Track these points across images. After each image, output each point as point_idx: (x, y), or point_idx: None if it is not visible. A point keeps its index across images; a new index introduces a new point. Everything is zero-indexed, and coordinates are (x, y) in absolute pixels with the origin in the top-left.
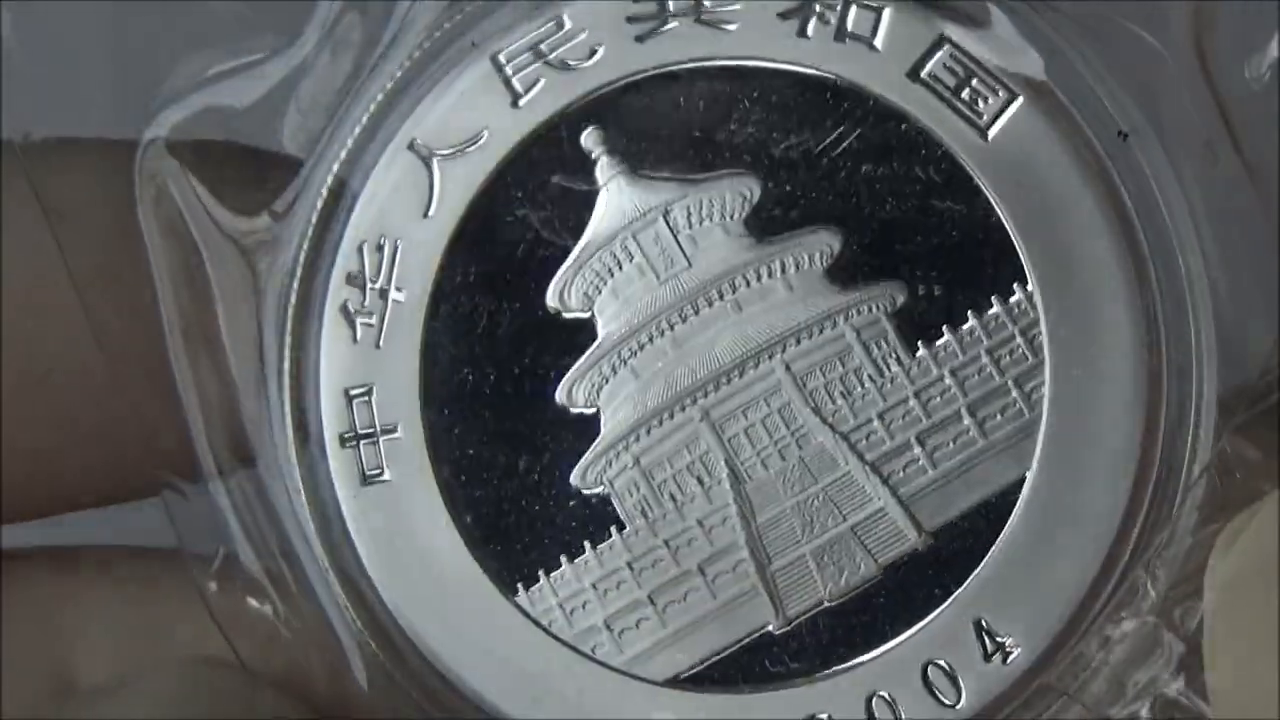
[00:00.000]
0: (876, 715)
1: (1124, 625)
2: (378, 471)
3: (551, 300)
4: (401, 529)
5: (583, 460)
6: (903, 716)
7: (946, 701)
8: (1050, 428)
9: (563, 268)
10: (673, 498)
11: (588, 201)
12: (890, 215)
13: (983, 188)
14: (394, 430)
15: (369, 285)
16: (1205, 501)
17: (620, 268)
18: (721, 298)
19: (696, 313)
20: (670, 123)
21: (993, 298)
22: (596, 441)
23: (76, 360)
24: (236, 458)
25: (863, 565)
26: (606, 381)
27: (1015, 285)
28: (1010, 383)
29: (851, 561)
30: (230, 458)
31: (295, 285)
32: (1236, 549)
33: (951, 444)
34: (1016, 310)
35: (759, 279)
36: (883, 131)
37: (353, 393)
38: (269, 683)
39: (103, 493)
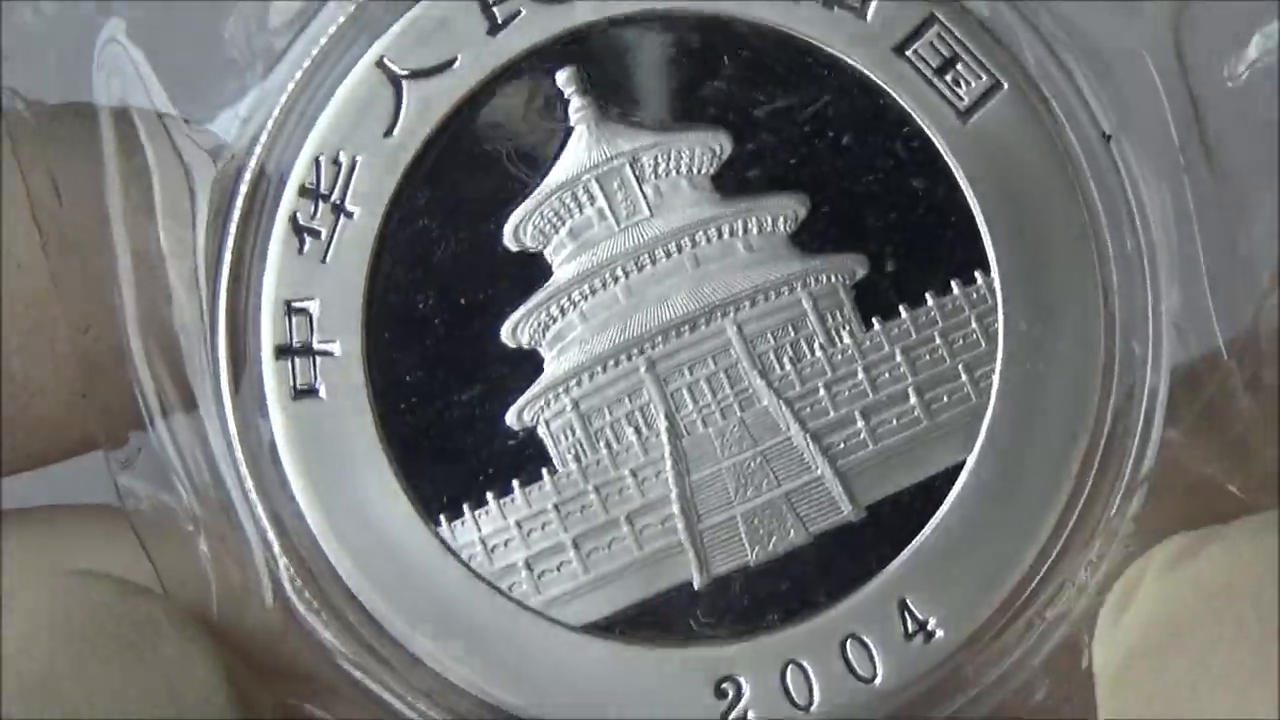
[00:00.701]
0: (790, 683)
1: (1048, 627)
2: (310, 387)
3: (508, 235)
4: (328, 447)
5: (520, 399)
6: (816, 686)
7: (863, 676)
8: (996, 417)
9: (523, 204)
10: (608, 445)
11: (556, 140)
12: (860, 188)
13: (955, 171)
14: (332, 347)
15: (322, 199)
16: (1143, 513)
17: (581, 210)
18: (680, 251)
19: (653, 263)
20: (648, 70)
21: (953, 281)
22: (536, 381)
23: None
24: (166, 361)
25: (793, 532)
26: (554, 321)
27: (977, 272)
28: (960, 367)
29: (782, 527)
30: (160, 361)
31: (244, 191)
32: (1125, 628)
33: (895, 421)
34: (975, 296)
35: (720, 236)
36: (861, 103)
37: (293, 305)
38: (154, 593)
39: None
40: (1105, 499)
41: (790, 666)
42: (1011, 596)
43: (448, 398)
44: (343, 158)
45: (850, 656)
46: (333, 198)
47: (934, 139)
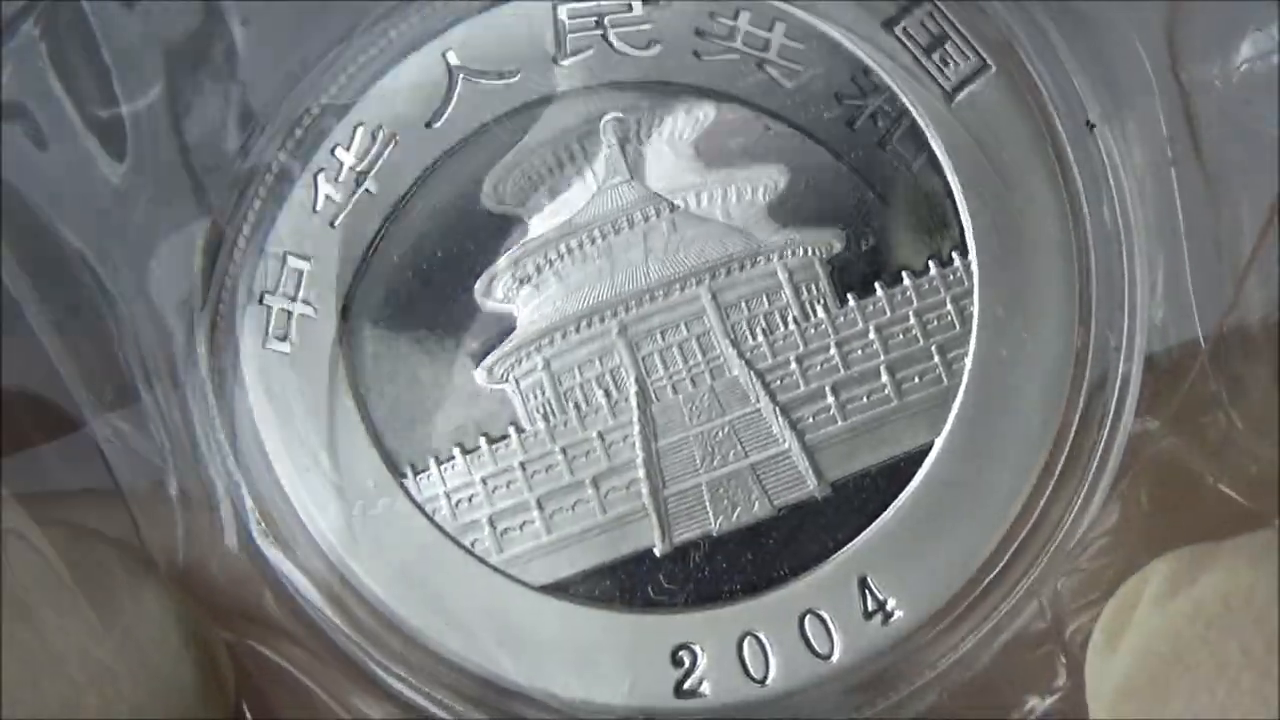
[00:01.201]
0: (746, 654)
1: (1010, 613)
2: (284, 335)
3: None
4: (299, 394)
5: (491, 355)
6: (773, 660)
7: (819, 652)
8: (967, 400)
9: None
10: (577, 406)
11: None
12: (841, 163)
13: (938, 151)
14: (311, 309)
15: (347, 165)
16: (1130, 509)
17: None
18: (658, 215)
19: (630, 226)
20: (693, 149)
21: (930, 261)
22: (508, 338)
23: None
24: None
25: (757, 504)
26: (529, 280)
27: (954, 253)
28: (934, 348)
29: (747, 498)
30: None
31: (284, 144)
32: (1120, 657)
33: (865, 399)
34: (952, 277)
35: (699, 203)
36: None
37: (289, 258)
38: (106, 537)
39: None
40: (1075, 487)
41: (748, 639)
42: (974, 581)
43: (420, 351)
44: (382, 133)
45: (808, 632)
46: (359, 167)
47: (918, 117)
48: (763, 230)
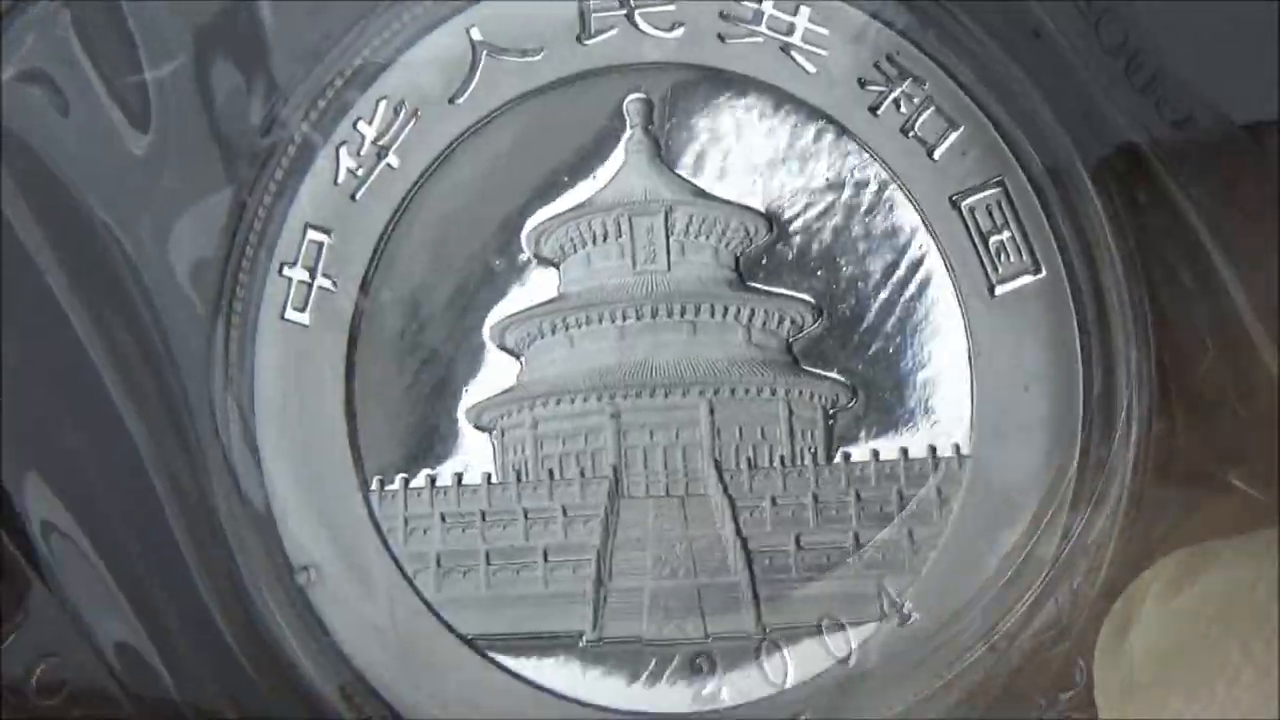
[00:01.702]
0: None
1: (1027, 613)
2: (301, 311)
3: (526, 237)
4: (318, 366)
5: (485, 398)
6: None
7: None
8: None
9: (551, 213)
10: (550, 474)
11: (607, 161)
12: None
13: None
14: (332, 283)
15: (372, 140)
16: (1142, 506)
17: (605, 239)
18: (683, 315)
19: (653, 317)
20: (714, 132)
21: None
22: (505, 389)
23: None
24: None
25: (690, 626)
26: (542, 337)
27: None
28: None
29: (683, 617)
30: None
31: (307, 116)
32: (1124, 656)
33: (827, 559)
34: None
35: (724, 316)
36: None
37: (311, 230)
38: None
39: None
40: (1089, 488)
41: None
42: (990, 582)
43: (437, 326)
44: (405, 108)
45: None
46: (381, 141)
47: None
48: (778, 364)
